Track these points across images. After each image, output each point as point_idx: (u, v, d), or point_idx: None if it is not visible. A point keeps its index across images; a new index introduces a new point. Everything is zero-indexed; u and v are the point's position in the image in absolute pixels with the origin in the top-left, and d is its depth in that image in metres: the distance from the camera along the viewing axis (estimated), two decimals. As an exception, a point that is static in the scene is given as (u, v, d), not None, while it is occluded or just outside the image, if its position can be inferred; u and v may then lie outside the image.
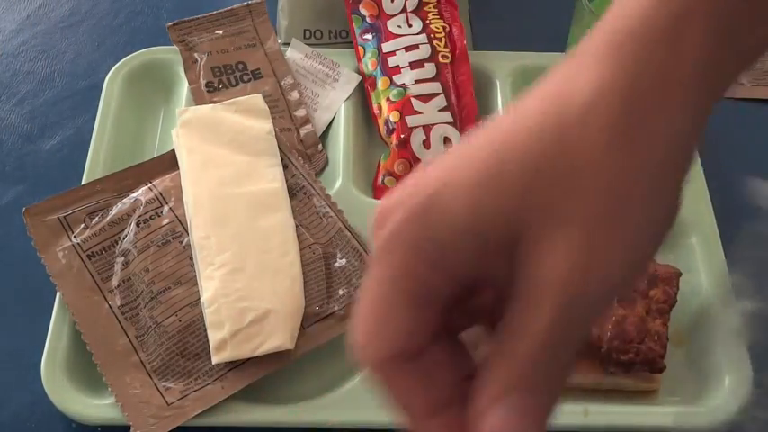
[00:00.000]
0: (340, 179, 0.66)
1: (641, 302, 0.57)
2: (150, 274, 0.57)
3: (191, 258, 0.58)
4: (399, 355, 0.28)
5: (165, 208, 0.60)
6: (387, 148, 0.69)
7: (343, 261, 0.59)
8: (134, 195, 0.61)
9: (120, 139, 0.69)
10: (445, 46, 0.71)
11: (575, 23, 0.61)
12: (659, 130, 0.26)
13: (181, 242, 0.59)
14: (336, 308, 0.57)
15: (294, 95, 0.70)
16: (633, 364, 0.56)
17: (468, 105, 0.70)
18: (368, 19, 0.73)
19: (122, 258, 0.59)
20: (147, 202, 0.61)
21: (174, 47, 0.72)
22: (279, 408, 0.55)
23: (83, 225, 0.60)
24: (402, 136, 0.68)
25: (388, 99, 0.70)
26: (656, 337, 0.56)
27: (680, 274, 0.59)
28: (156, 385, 0.55)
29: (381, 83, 0.70)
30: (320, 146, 0.69)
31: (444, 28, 0.72)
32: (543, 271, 0.26)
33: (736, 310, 0.60)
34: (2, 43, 0.78)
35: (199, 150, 0.63)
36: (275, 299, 0.56)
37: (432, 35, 0.71)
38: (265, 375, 0.55)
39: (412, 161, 0.68)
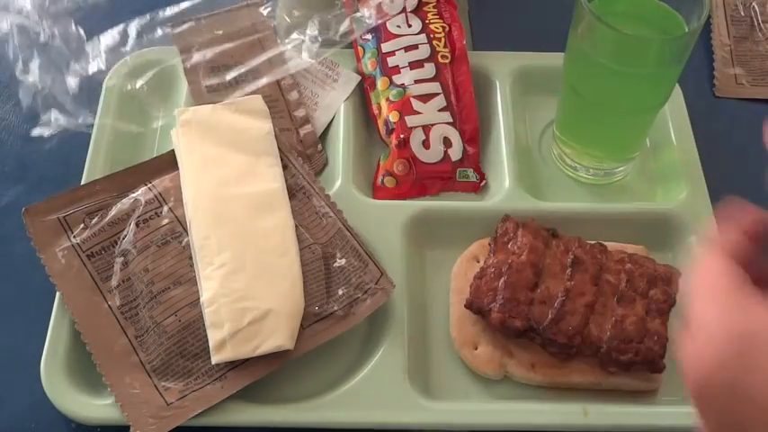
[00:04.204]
0: (339, 179, 0.66)
1: (641, 302, 0.57)
2: (150, 274, 0.57)
3: (190, 258, 0.58)
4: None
5: (165, 208, 0.60)
6: (386, 148, 0.69)
7: (343, 261, 0.59)
8: (133, 195, 0.61)
9: (120, 139, 0.69)
10: (445, 46, 0.71)
11: (574, 23, 0.61)
12: None
13: (180, 242, 0.59)
14: (336, 308, 0.57)
15: (294, 95, 0.70)
16: (633, 364, 0.56)
17: (467, 105, 0.70)
18: (367, 19, 0.73)
19: (122, 258, 0.59)
20: (146, 202, 0.61)
21: (174, 47, 0.72)
22: (279, 408, 0.55)
23: (82, 225, 0.60)
24: (401, 136, 0.68)
25: (387, 99, 0.70)
26: (655, 337, 0.56)
27: (680, 274, 0.59)
28: (155, 385, 0.55)
29: (381, 83, 0.70)
30: (320, 146, 0.69)
31: (444, 28, 0.72)
32: None
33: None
34: (1, 43, 0.78)
35: (198, 150, 0.63)
36: (275, 299, 0.56)
37: (431, 35, 0.71)
38: (265, 375, 0.55)
39: (411, 161, 0.68)
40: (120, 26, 0.80)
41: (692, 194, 0.66)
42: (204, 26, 0.73)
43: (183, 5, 0.79)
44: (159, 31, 0.72)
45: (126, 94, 0.71)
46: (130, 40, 0.74)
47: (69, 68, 0.68)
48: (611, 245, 0.62)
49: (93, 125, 0.68)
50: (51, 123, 0.66)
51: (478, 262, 0.62)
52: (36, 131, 0.66)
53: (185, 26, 0.72)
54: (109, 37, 0.77)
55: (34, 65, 0.67)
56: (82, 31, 0.70)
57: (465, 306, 0.59)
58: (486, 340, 0.59)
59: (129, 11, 0.81)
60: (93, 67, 0.69)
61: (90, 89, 0.72)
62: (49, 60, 0.67)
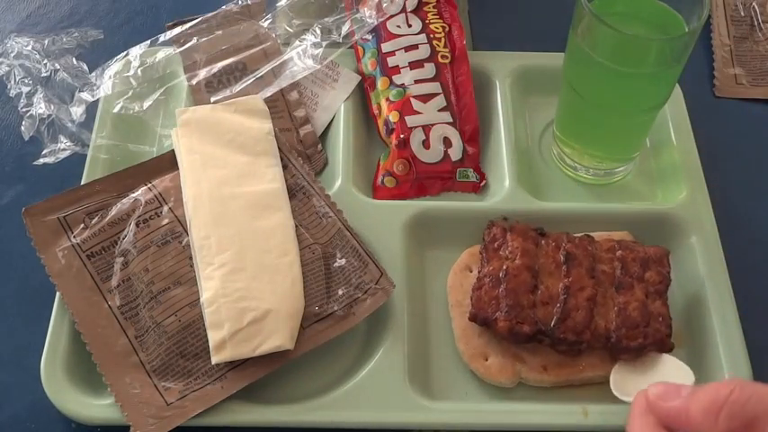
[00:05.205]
0: (339, 179, 0.66)
1: (639, 287, 0.57)
2: (150, 274, 0.57)
3: (190, 258, 0.58)
4: None
5: (165, 208, 0.60)
6: (386, 148, 0.69)
7: (343, 261, 0.59)
8: (134, 195, 0.61)
9: (120, 138, 0.68)
10: (444, 46, 0.71)
11: (574, 24, 0.61)
12: None
13: (180, 242, 0.59)
14: (336, 308, 0.57)
15: (294, 95, 0.70)
16: (643, 348, 0.56)
17: (467, 105, 0.70)
18: (367, 19, 0.73)
19: (122, 258, 0.59)
20: (146, 202, 0.61)
21: (174, 47, 0.72)
22: (279, 408, 0.55)
23: (82, 225, 0.60)
24: (401, 136, 0.68)
25: (387, 99, 0.70)
26: (660, 318, 0.56)
27: (669, 253, 0.60)
28: (155, 385, 0.55)
29: (381, 83, 0.70)
30: (320, 146, 0.69)
31: (444, 28, 0.72)
32: None
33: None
34: (2, 43, 0.78)
35: (198, 150, 0.63)
36: (275, 299, 0.56)
37: (431, 35, 0.72)
38: (265, 375, 0.55)
39: (411, 161, 0.68)
40: (121, 26, 0.80)
41: (691, 194, 0.66)
42: (204, 26, 0.73)
43: (184, 5, 0.79)
44: (159, 32, 0.72)
45: (126, 95, 0.70)
46: (130, 40, 0.74)
47: (74, 97, 0.68)
48: (596, 234, 0.62)
49: (93, 125, 0.68)
50: (57, 150, 0.66)
51: (471, 272, 0.62)
52: (41, 160, 0.66)
53: (189, 44, 0.71)
54: (109, 37, 0.77)
55: (38, 96, 0.68)
56: (85, 66, 0.70)
57: (469, 319, 0.58)
58: (496, 350, 0.58)
59: (129, 11, 0.81)
60: (99, 93, 0.69)
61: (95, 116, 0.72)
62: (53, 91, 0.67)
